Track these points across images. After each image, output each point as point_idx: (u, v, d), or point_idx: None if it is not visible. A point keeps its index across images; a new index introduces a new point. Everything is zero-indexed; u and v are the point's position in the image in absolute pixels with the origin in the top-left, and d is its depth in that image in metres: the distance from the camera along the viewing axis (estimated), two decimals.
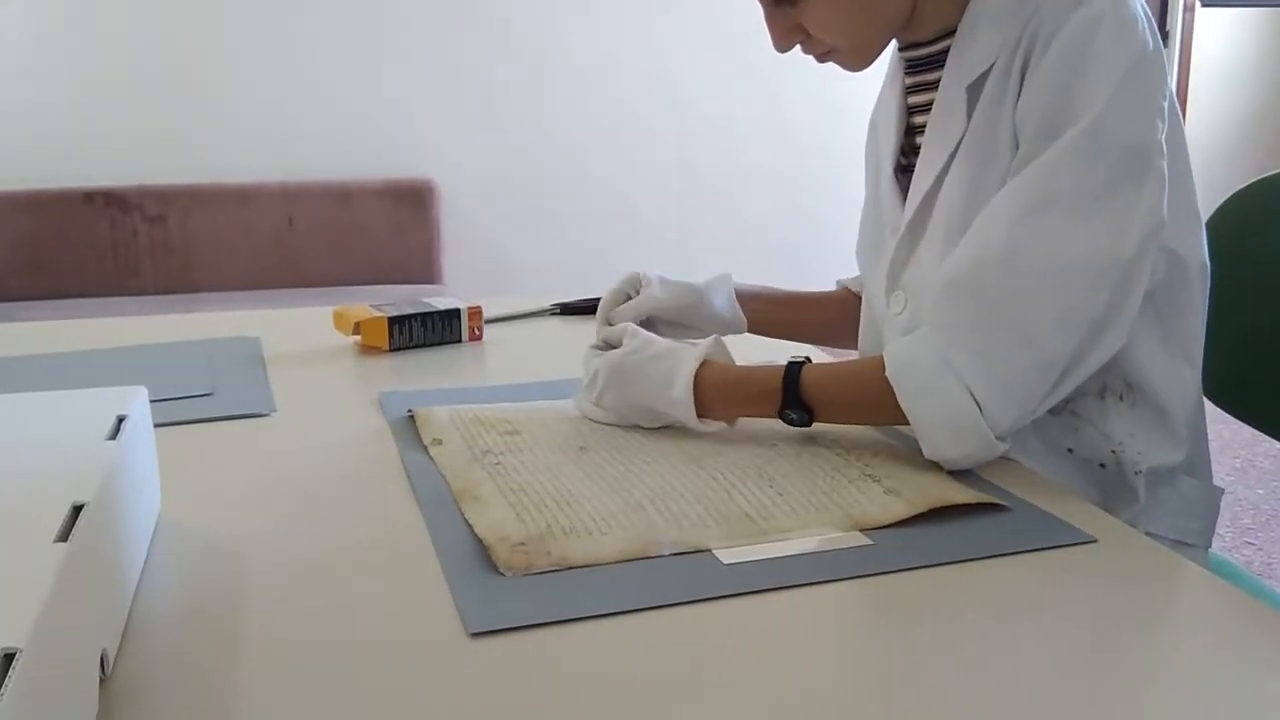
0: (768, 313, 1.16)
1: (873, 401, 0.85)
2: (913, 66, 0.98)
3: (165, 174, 3.14)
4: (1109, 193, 0.81)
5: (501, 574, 0.67)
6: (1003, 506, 0.77)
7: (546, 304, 1.41)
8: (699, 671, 0.57)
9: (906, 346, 0.85)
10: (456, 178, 3.38)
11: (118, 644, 0.58)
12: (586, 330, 1.29)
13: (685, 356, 0.89)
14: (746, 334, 1.14)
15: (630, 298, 1.08)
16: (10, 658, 0.41)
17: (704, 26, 3.53)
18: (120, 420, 0.67)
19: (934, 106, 0.94)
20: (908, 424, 0.83)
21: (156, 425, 0.77)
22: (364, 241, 3.27)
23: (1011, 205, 0.83)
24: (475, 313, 1.27)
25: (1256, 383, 1.13)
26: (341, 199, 3.25)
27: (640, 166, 3.57)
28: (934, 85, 0.95)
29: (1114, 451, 0.92)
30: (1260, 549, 2.40)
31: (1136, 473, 0.92)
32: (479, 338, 1.27)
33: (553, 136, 3.47)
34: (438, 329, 1.24)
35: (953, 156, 0.90)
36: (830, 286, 1.24)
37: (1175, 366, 0.92)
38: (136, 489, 0.69)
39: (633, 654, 0.59)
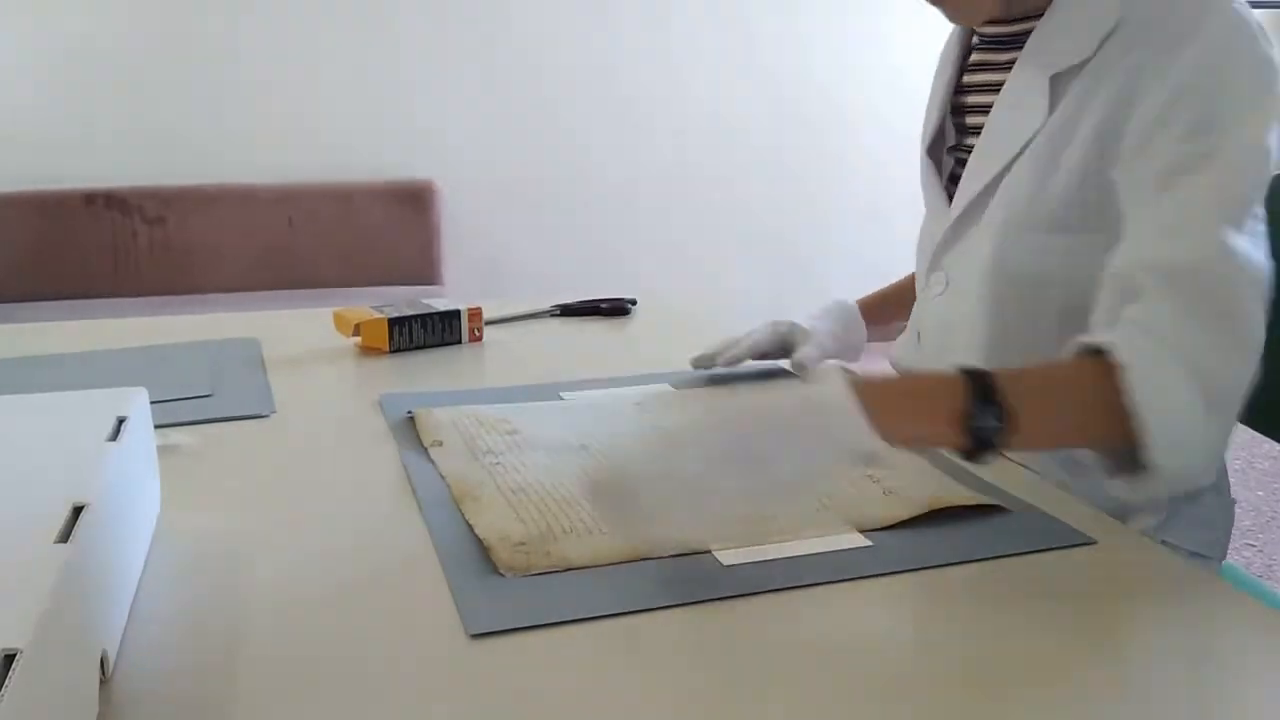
0: (893, 312, 1.16)
1: (1087, 402, 0.74)
2: (985, 44, 0.96)
3: (165, 175, 3.14)
4: (1257, 200, 0.79)
5: (501, 575, 0.67)
6: (1001, 508, 0.77)
7: (546, 305, 1.41)
8: (699, 673, 0.57)
9: (1131, 336, 0.74)
10: (456, 178, 3.38)
11: (118, 644, 0.58)
12: (586, 330, 1.29)
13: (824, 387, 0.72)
14: None
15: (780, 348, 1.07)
16: (10, 658, 0.41)
17: (705, 26, 3.53)
18: (120, 421, 0.67)
19: (1005, 90, 0.91)
20: (1120, 434, 0.72)
21: (156, 426, 0.77)
22: (364, 242, 3.27)
23: (1212, 205, 0.77)
24: (475, 314, 1.27)
25: (1256, 384, 1.13)
26: (341, 199, 3.25)
27: (641, 167, 3.57)
28: (1002, 67, 0.92)
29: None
30: (1261, 550, 2.40)
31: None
32: (479, 339, 1.27)
33: (553, 137, 3.47)
34: (438, 330, 1.24)
35: (1027, 145, 0.88)
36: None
37: None
38: (136, 490, 0.69)
39: (633, 656, 0.59)
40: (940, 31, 1.03)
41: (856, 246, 3.64)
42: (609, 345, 1.29)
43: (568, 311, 1.41)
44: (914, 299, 1.11)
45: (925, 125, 1.01)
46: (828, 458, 0.68)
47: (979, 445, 0.69)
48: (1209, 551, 0.94)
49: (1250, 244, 0.76)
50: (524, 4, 3.37)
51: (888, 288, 1.20)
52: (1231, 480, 2.58)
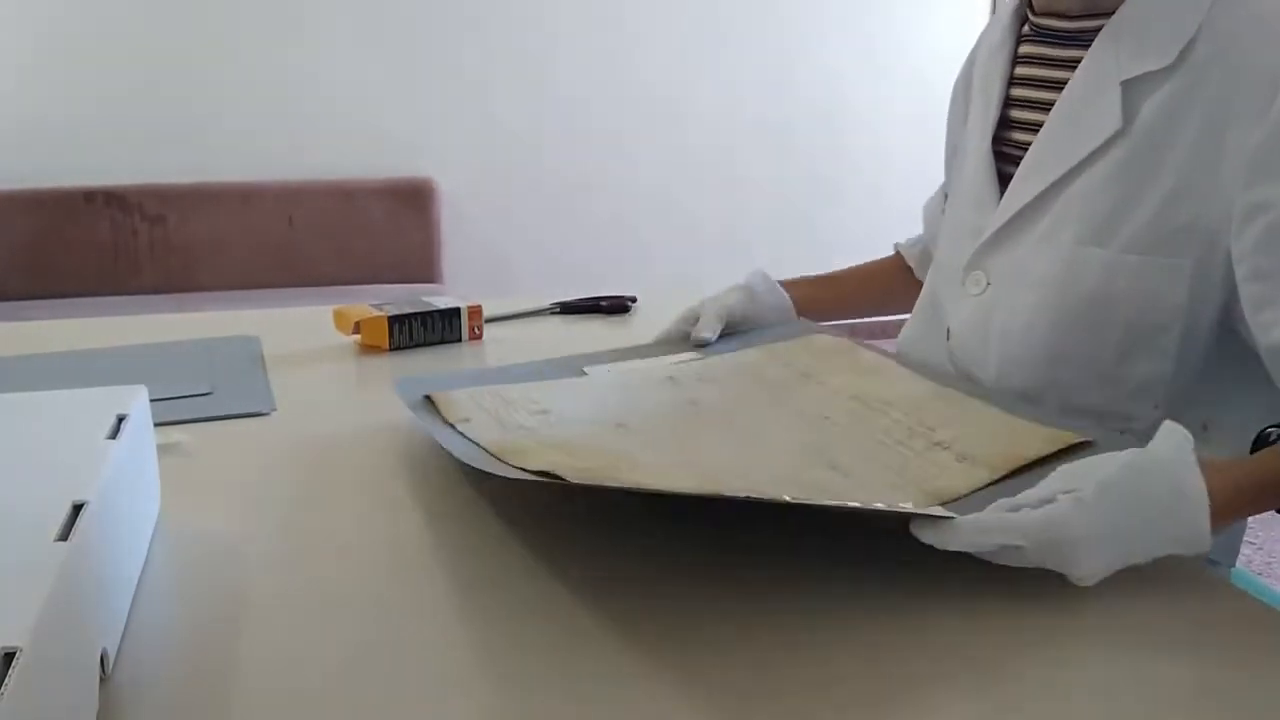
0: (818, 294, 1.15)
1: None
2: (1040, 36, 0.92)
3: (165, 174, 3.14)
4: None
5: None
6: (1088, 442, 0.73)
7: (546, 303, 1.41)
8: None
9: None
10: (456, 178, 3.38)
11: (117, 642, 0.58)
12: (586, 329, 1.29)
13: (1179, 467, 0.66)
14: None
15: (687, 335, 1.09)
16: (10, 657, 0.41)
17: (704, 27, 3.53)
18: (120, 420, 0.67)
19: (1069, 92, 0.87)
20: None
21: (156, 425, 0.77)
22: (364, 241, 3.27)
23: None
24: (475, 312, 1.27)
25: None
26: (341, 199, 3.25)
27: (640, 166, 3.57)
28: (1061, 64, 0.89)
29: None
30: (1260, 548, 2.40)
31: None
32: (479, 337, 1.27)
33: (552, 136, 3.47)
34: (438, 328, 1.24)
35: (1095, 154, 0.84)
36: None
37: (1264, 400, 0.88)
38: (136, 488, 0.69)
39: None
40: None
41: (855, 246, 3.64)
42: (609, 343, 1.28)
43: (568, 309, 1.40)
44: (856, 297, 1.14)
45: (985, 115, 0.96)
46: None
47: None
48: (1222, 558, 0.94)
49: None
50: (524, 5, 3.37)
51: (826, 277, 1.19)
52: None
